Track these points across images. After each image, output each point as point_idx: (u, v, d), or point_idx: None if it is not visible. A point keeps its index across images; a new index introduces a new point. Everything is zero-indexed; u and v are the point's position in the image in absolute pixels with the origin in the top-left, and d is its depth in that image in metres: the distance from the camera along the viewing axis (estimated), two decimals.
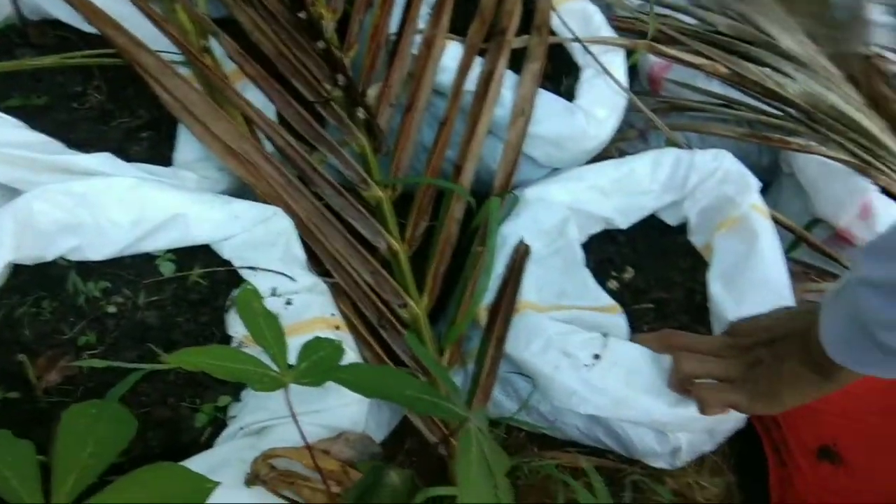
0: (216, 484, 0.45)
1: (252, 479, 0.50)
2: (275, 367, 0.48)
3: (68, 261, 0.62)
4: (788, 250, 0.98)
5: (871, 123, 1.05)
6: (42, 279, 0.61)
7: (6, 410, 0.55)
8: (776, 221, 0.90)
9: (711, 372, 0.65)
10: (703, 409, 0.65)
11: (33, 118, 0.73)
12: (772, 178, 1.12)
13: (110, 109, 0.81)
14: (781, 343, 0.59)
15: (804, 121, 1.02)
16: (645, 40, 1.03)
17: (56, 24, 0.84)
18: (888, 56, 1.17)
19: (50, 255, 0.60)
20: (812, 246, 0.98)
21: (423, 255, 0.80)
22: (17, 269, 0.61)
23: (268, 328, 0.49)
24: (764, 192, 1.12)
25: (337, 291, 0.71)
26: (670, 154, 0.86)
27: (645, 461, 0.78)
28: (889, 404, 0.69)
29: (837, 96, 1.06)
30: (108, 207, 0.62)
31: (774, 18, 1.16)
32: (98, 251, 0.62)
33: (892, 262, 0.45)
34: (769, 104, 1.03)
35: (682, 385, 0.67)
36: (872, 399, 0.73)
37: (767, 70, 1.08)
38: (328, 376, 0.47)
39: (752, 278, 0.77)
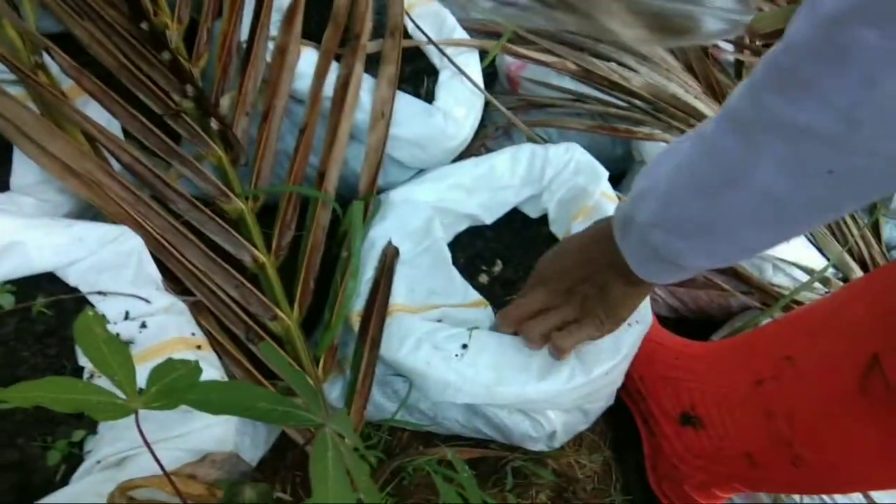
0: None
1: None
2: (122, 395, 0.46)
3: None
4: None
5: (709, 110, 1.13)
6: None
7: None
8: None
9: (555, 323, 0.70)
10: (561, 356, 0.70)
11: None
12: (626, 166, 1.19)
13: None
14: (597, 275, 0.66)
15: (648, 111, 1.09)
16: (496, 41, 1.07)
17: None
18: (722, 46, 1.28)
19: None
20: None
21: (293, 266, 0.79)
22: None
23: (112, 354, 0.47)
24: (620, 179, 1.20)
25: (199, 309, 0.69)
26: (526, 149, 0.89)
27: (525, 447, 0.81)
28: (734, 365, 0.76)
29: (677, 86, 1.14)
30: None
31: (617, 17, 1.24)
32: None
33: (659, 204, 0.53)
34: (616, 97, 1.09)
35: (540, 346, 0.71)
36: (721, 363, 0.79)
37: (613, 65, 1.15)
38: (178, 399, 0.46)
39: None
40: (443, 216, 0.84)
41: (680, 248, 0.54)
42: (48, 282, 0.63)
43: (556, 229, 0.90)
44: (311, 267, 0.78)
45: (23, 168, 0.71)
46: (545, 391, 0.70)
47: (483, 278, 0.87)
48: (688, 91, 1.14)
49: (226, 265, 0.73)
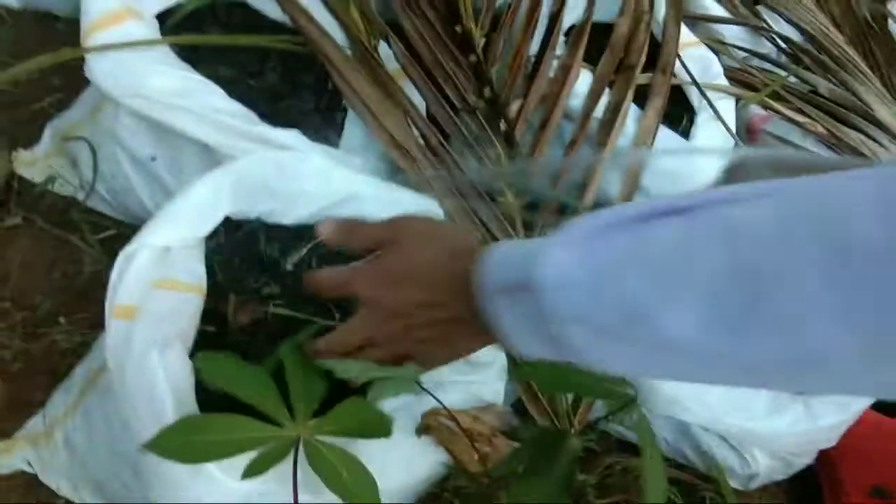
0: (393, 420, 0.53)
1: (423, 429, 0.58)
2: None
3: (263, 221, 0.70)
4: None
5: None
6: (238, 234, 0.70)
7: (205, 340, 0.64)
8: None
9: (380, 358, 0.53)
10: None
11: None
12: None
13: (282, 91, 0.89)
14: (445, 324, 0.48)
15: None
16: (755, 92, 1.11)
17: (243, 6, 0.93)
18: None
19: (253, 214, 0.69)
20: None
21: None
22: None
23: None
24: None
25: None
26: None
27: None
28: None
29: None
30: (303, 179, 0.70)
31: (873, 90, 1.23)
32: (288, 216, 0.71)
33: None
34: None
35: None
36: None
37: (863, 136, 1.15)
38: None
39: None
40: None
41: (607, 352, 0.37)
42: None
43: None
44: None
45: (353, 132, 0.85)
46: (768, 428, 0.74)
47: None
48: None
49: None
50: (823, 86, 1.22)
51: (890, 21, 1.40)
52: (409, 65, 0.89)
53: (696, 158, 0.96)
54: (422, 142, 0.87)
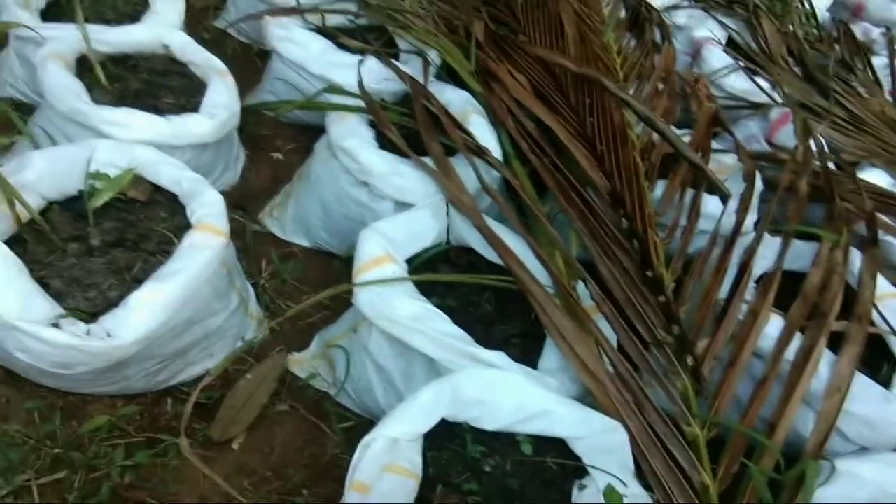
0: None
1: None
2: None
3: (470, 426, 0.84)
4: None
5: None
6: (446, 434, 0.84)
7: None
8: None
9: None
10: None
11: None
12: None
13: (494, 318, 1.08)
14: None
15: None
16: None
17: (469, 250, 1.16)
18: None
19: (461, 418, 0.84)
20: None
21: (730, 496, 0.90)
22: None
23: None
24: None
25: None
26: None
27: None
28: None
29: None
30: (504, 394, 0.84)
31: None
32: (489, 423, 0.84)
33: None
34: None
35: None
36: None
37: None
38: None
39: None
40: (884, 498, 0.86)
41: None
42: (557, 445, 0.86)
43: None
44: None
45: (550, 357, 0.99)
46: None
47: None
48: None
49: (682, 479, 0.88)
50: None
51: None
52: (602, 302, 1.04)
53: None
54: (611, 370, 0.98)
